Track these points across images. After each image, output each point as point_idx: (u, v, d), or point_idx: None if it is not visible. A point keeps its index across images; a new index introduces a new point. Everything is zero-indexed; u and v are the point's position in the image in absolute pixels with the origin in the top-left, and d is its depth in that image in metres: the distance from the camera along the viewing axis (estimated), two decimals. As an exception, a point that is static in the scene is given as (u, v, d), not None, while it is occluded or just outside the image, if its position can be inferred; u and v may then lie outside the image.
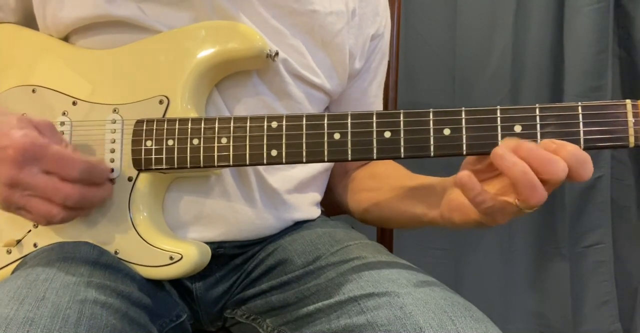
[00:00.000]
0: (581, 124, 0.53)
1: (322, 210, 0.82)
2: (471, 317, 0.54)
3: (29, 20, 0.74)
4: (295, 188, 0.74)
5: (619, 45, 1.37)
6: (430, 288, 0.58)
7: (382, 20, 0.82)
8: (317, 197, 0.80)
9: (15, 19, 0.75)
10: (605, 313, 1.41)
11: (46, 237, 0.66)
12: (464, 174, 0.52)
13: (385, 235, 1.04)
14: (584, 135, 0.53)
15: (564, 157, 0.50)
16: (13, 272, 0.65)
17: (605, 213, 1.39)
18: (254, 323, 0.70)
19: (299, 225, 0.76)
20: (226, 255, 0.71)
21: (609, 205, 1.39)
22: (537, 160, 0.50)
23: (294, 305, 0.66)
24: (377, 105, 0.86)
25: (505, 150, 0.51)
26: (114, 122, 0.66)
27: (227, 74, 0.69)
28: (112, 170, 0.65)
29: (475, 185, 0.52)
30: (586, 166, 0.51)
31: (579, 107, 0.54)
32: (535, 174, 0.50)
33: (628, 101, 0.53)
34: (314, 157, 0.60)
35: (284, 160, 0.60)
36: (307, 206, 0.77)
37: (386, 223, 0.81)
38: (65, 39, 0.72)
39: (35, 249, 0.66)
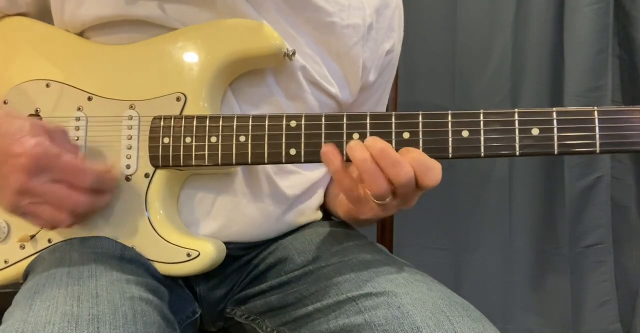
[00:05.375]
0: (597, 128, 0.55)
1: (323, 211, 0.82)
2: (469, 317, 0.54)
3: (43, 15, 0.73)
4: (303, 193, 0.75)
5: (619, 45, 1.37)
6: (428, 287, 0.58)
7: (396, 36, 0.82)
8: (322, 199, 0.80)
9: (29, 12, 0.74)
10: (605, 313, 1.41)
11: (61, 232, 0.67)
12: (327, 145, 0.57)
13: (385, 235, 1.04)
14: (600, 139, 0.55)
15: (409, 161, 0.54)
16: (27, 268, 0.65)
17: (605, 213, 1.39)
18: (253, 323, 0.71)
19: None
20: (230, 256, 0.71)
21: (609, 205, 1.39)
22: (385, 159, 0.54)
23: (292, 306, 0.66)
24: None
25: (358, 142, 0.56)
26: (130, 118, 0.66)
27: (244, 71, 0.69)
28: (128, 166, 0.66)
29: (337, 157, 0.57)
30: (429, 172, 0.54)
31: (595, 112, 0.55)
32: (383, 172, 0.54)
33: None
34: None
35: (302, 159, 0.61)
36: (313, 210, 0.78)
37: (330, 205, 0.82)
38: (80, 34, 0.72)
39: (49, 244, 0.66)
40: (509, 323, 1.43)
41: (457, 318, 0.53)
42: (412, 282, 0.59)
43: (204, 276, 0.70)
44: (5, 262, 0.68)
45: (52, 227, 0.61)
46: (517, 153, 0.56)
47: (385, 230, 1.04)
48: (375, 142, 0.55)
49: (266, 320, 0.69)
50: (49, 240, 0.67)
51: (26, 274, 0.65)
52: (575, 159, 1.36)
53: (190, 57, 0.67)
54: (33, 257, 0.66)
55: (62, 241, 0.66)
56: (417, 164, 0.54)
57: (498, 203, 1.41)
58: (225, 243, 0.69)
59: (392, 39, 0.81)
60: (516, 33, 1.37)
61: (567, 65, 1.35)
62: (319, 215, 0.80)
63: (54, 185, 0.57)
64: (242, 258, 0.74)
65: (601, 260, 1.40)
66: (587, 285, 1.41)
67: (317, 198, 0.78)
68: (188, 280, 0.71)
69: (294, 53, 0.68)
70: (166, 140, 0.64)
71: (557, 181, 1.39)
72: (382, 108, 0.87)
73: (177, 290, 0.68)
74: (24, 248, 0.67)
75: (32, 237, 0.67)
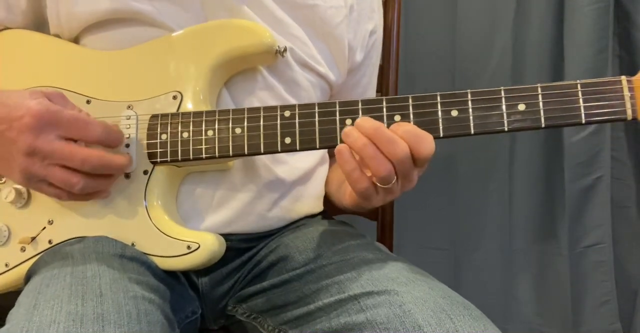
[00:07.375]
0: (581, 100, 0.57)
1: (324, 210, 0.83)
2: (470, 316, 0.54)
3: (38, 24, 0.74)
4: (299, 178, 0.76)
5: (619, 45, 1.37)
6: (430, 286, 0.58)
7: (377, 17, 0.85)
8: (320, 190, 0.81)
9: (24, 22, 0.75)
10: (605, 313, 1.41)
11: (61, 233, 0.67)
12: (341, 146, 0.57)
13: (385, 235, 1.04)
14: (584, 110, 0.57)
15: (401, 134, 0.55)
16: (29, 270, 0.65)
17: (605, 213, 1.39)
18: (254, 322, 0.71)
19: (302, 221, 0.77)
20: (233, 249, 0.71)
21: (609, 205, 1.39)
22: (379, 137, 0.56)
23: (294, 304, 0.66)
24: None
25: (352, 128, 0.57)
26: (128, 118, 0.67)
27: (238, 70, 0.71)
28: None
29: (350, 159, 0.57)
30: (422, 141, 0.56)
31: (578, 85, 0.58)
32: (380, 151, 0.56)
33: (623, 77, 0.58)
34: (327, 143, 0.62)
35: (297, 147, 0.62)
36: (312, 199, 0.79)
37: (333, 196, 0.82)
38: (76, 39, 0.73)
39: (50, 245, 0.67)
40: (509, 323, 1.43)
41: (458, 316, 0.54)
42: (414, 280, 0.59)
43: (206, 272, 0.71)
44: (6, 265, 0.68)
45: (67, 193, 0.61)
46: (506, 129, 0.58)
47: (385, 230, 1.04)
48: (366, 122, 0.57)
49: (268, 318, 0.69)
50: (50, 242, 0.67)
51: (28, 277, 0.65)
52: (575, 159, 1.36)
53: (186, 57, 0.68)
54: (34, 259, 0.66)
55: (62, 242, 0.67)
56: (409, 136, 0.56)
57: (498, 203, 1.41)
58: (227, 235, 0.69)
59: (374, 19, 0.84)
60: (516, 33, 1.37)
61: (567, 65, 1.35)
62: (319, 206, 0.80)
63: (61, 143, 0.58)
64: (244, 255, 0.74)
65: (601, 260, 1.40)
66: (587, 285, 1.41)
67: (314, 186, 0.79)
68: (190, 277, 0.71)
69: (285, 50, 0.70)
70: (164, 136, 0.65)
71: (557, 181, 1.39)
72: (372, 93, 0.89)
73: (178, 288, 0.68)
74: (24, 250, 0.67)
75: (33, 239, 0.67)
